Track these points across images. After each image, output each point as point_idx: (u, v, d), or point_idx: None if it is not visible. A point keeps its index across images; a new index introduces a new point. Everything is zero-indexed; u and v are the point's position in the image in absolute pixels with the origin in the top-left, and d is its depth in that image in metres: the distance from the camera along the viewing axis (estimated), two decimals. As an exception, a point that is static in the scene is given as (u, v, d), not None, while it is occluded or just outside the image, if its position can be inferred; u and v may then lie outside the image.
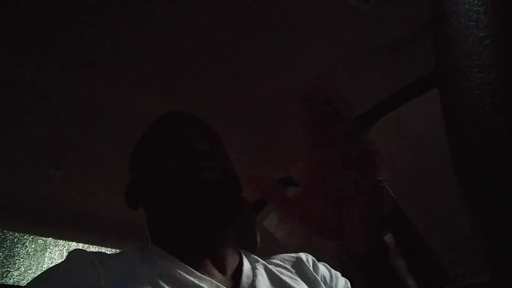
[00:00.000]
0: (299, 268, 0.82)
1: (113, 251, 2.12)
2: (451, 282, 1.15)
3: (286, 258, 0.86)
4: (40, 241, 2.38)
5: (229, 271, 0.76)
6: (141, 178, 0.83)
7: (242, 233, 1.15)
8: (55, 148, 1.43)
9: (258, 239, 1.25)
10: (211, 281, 0.69)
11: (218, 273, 0.74)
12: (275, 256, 0.87)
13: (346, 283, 0.84)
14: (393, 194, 1.28)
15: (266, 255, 0.88)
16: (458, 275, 1.34)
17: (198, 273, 0.69)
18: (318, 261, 0.89)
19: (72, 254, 0.70)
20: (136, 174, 0.86)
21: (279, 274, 0.78)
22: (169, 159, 0.78)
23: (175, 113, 0.89)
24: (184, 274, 0.68)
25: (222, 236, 0.79)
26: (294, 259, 0.85)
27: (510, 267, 0.25)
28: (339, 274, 0.86)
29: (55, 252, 2.43)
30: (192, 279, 0.68)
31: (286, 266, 0.82)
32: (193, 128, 0.84)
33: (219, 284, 0.69)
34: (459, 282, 1.31)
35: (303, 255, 0.86)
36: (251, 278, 0.75)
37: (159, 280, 0.66)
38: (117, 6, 0.95)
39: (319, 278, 0.81)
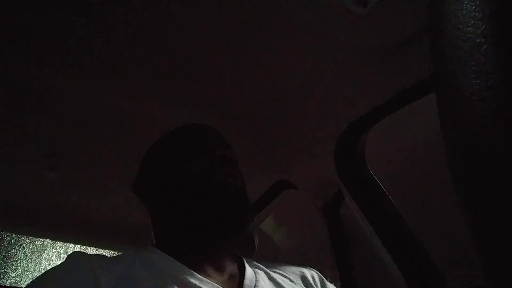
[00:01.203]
0: (306, 284, 0.82)
1: (110, 252, 2.12)
2: (447, 287, 1.15)
3: (289, 270, 0.86)
4: (37, 242, 2.37)
5: (229, 275, 0.76)
6: (161, 175, 0.83)
7: (240, 237, 1.15)
8: (52, 149, 1.43)
9: (256, 243, 1.24)
10: (212, 283, 0.69)
11: (218, 276, 0.75)
12: (276, 265, 0.87)
13: None
14: (391, 198, 1.28)
15: (264, 259, 0.88)
16: (454, 279, 1.34)
17: (199, 276, 0.70)
18: (310, 264, 0.89)
19: (72, 256, 0.70)
20: (155, 176, 0.85)
21: (281, 282, 0.78)
22: (193, 162, 0.79)
23: (197, 124, 0.92)
24: (185, 276, 0.68)
25: (234, 239, 0.80)
26: (298, 273, 0.85)
27: (506, 272, 0.25)
28: None
29: (52, 253, 2.42)
30: (193, 281, 0.68)
31: (289, 277, 0.82)
32: (215, 137, 0.87)
33: (220, 287, 0.70)
34: (455, 287, 1.31)
35: (307, 272, 0.86)
36: (254, 282, 0.75)
37: (159, 282, 0.66)
38: (117, 9, 0.95)
39: None
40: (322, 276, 0.87)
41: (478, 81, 0.24)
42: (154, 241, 0.83)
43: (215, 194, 0.75)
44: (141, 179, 0.86)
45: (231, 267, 0.79)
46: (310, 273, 0.86)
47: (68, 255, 0.70)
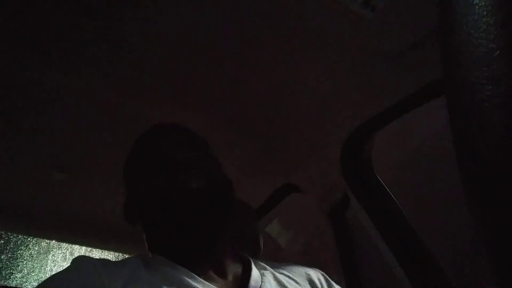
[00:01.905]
0: (312, 286, 0.82)
1: (116, 254, 2.12)
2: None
3: (296, 271, 0.85)
4: (43, 243, 2.38)
5: (232, 277, 0.76)
6: (134, 196, 0.84)
7: (245, 239, 1.15)
8: (59, 151, 1.43)
9: (262, 245, 1.24)
10: (214, 287, 0.69)
11: (221, 279, 0.74)
12: (283, 265, 0.86)
13: None
14: (397, 201, 1.28)
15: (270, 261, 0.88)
16: (461, 284, 1.33)
17: (202, 279, 0.70)
18: (316, 268, 0.88)
19: (77, 260, 0.70)
20: (130, 193, 0.86)
21: (287, 284, 0.77)
22: (153, 172, 0.78)
23: (157, 126, 0.89)
24: (188, 280, 0.68)
25: (220, 242, 0.79)
26: (305, 275, 0.84)
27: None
28: None
29: (58, 254, 2.43)
30: (196, 284, 0.68)
31: (296, 278, 0.82)
32: (175, 138, 0.84)
33: None
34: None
35: (313, 273, 0.86)
36: (259, 284, 0.75)
37: (163, 286, 0.66)
38: (119, 10, 0.95)
39: None
40: (328, 277, 0.87)
41: (490, 87, 0.24)
42: (149, 251, 0.83)
43: (178, 199, 0.74)
44: (126, 202, 0.87)
45: (235, 269, 0.78)
46: (316, 275, 0.85)
47: (74, 259, 0.70)
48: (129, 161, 0.89)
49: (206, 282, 0.70)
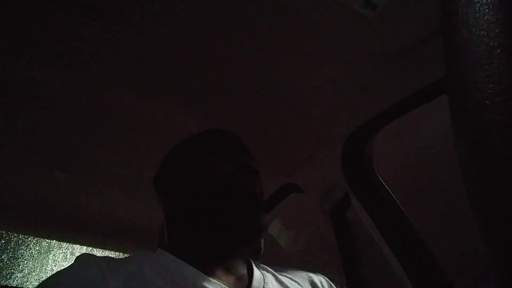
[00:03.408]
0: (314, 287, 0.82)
1: (117, 254, 2.12)
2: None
3: (298, 274, 0.86)
4: (44, 243, 2.39)
5: (237, 277, 0.77)
6: (182, 181, 0.83)
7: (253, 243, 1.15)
8: (60, 151, 1.43)
9: (262, 246, 1.24)
10: (220, 285, 0.69)
11: (227, 278, 0.75)
12: (285, 269, 0.87)
13: None
14: (398, 202, 1.27)
15: (270, 263, 0.88)
16: (462, 284, 1.33)
17: (207, 277, 0.70)
18: (319, 271, 0.88)
19: (80, 258, 0.70)
20: (177, 175, 0.85)
21: (289, 285, 0.78)
22: (214, 170, 0.79)
23: (221, 130, 0.92)
24: (193, 278, 0.68)
25: (242, 248, 0.80)
26: (307, 278, 0.85)
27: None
28: None
29: (58, 254, 2.44)
30: (201, 282, 0.68)
31: (297, 280, 0.82)
32: (237, 145, 0.87)
33: None
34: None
35: (315, 277, 0.86)
36: (262, 284, 0.75)
37: (168, 284, 0.66)
38: (123, 9, 0.96)
39: None
40: (331, 282, 0.87)
41: (491, 85, 0.24)
42: (166, 240, 0.83)
43: (234, 201, 0.75)
44: (162, 175, 0.87)
45: (240, 269, 0.79)
46: (319, 279, 0.85)
47: (77, 257, 0.70)
48: (192, 145, 0.89)
49: (212, 279, 0.70)
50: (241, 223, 0.75)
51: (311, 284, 0.83)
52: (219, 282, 0.70)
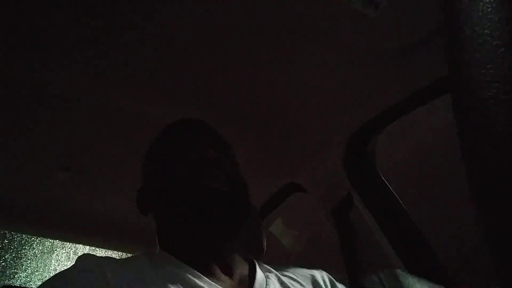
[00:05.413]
0: (316, 286, 0.82)
1: (120, 254, 2.13)
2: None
3: (300, 273, 0.85)
4: (47, 243, 2.39)
5: (238, 278, 0.76)
6: (151, 185, 0.83)
7: (248, 239, 1.15)
8: (63, 150, 1.44)
9: (265, 245, 1.24)
10: (217, 286, 0.69)
11: (228, 279, 0.74)
12: (287, 268, 0.86)
13: None
14: (401, 201, 1.27)
15: (272, 262, 0.87)
16: (465, 282, 1.33)
17: (207, 279, 0.69)
18: (320, 268, 0.88)
19: (82, 258, 0.70)
20: (147, 180, 0.86)
21: (291, 286, 0.77)
22: (176, 166, 0.78)
23: (185, 120, 0.90)
24: (194, 279, 0.68)
25: (230, 243, 0.79)
26: (309, 276, 0.84)
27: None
28: None
29: (62, 254, 2.44)
30: (201, 284, 0.68)
31: (300, 280, 0.81)
32: (202, 136, 0.85)
33: None
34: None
35: (318, 274, 0.85)
36: (264, 286, 0.74)
37: (168, 285, 0.66)
38: (123, 9, 0.96)
39: None
40: (332, 278, 0.86)
41: (495, 84, 0.24)
42: (158, 245, 0.83)
43: (198, 198, 0.74)
44: (141, 189, 0.86)
45: (241, 270, 0.78)
46: (321, 275, 0.85)
47: (78, 257, 0.70)
48: (153, 148, 0.88)
49: (212, 282, 0.70)
50: (209, 220, 0.74)
51: (312, 282, 0.82)
52: (218, 285, 0.70)
